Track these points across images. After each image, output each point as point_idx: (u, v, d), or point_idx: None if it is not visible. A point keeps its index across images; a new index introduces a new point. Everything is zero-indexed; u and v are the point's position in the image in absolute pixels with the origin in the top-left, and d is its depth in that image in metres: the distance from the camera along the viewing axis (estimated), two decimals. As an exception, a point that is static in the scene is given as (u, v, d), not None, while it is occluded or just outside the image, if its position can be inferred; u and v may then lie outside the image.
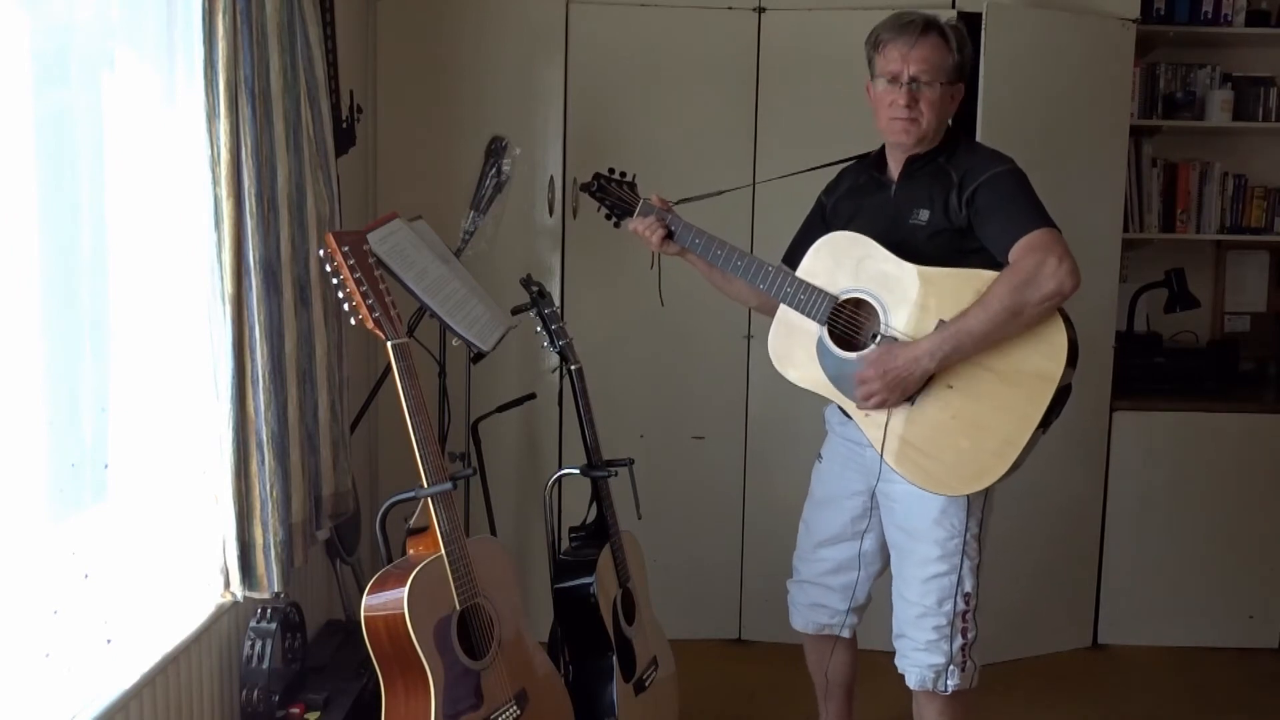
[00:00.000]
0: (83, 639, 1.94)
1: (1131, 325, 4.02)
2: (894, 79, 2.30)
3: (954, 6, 3.49)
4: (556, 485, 3.06)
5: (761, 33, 3.55)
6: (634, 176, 2.62)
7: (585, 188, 2.63)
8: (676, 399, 3.69)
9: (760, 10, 3.55)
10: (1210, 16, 3.91)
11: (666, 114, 3.57)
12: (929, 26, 2.31)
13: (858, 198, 2.47)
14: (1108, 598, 3.80)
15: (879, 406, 2.28)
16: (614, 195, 2.59)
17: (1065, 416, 3.62)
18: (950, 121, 2.39)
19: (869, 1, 3.19)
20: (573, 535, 2.82)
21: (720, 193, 2.70)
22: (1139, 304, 4.03)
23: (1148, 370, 3.92)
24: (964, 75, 2.35)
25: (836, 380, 2.35)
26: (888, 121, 2.34)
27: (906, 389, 2.25)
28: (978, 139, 3.35)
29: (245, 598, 2.30)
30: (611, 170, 2.62)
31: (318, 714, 2.38)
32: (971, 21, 3.41)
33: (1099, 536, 3.77)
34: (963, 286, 2.22)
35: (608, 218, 2.65)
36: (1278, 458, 3.75)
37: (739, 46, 3.56)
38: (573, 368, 2.80)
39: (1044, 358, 2.20)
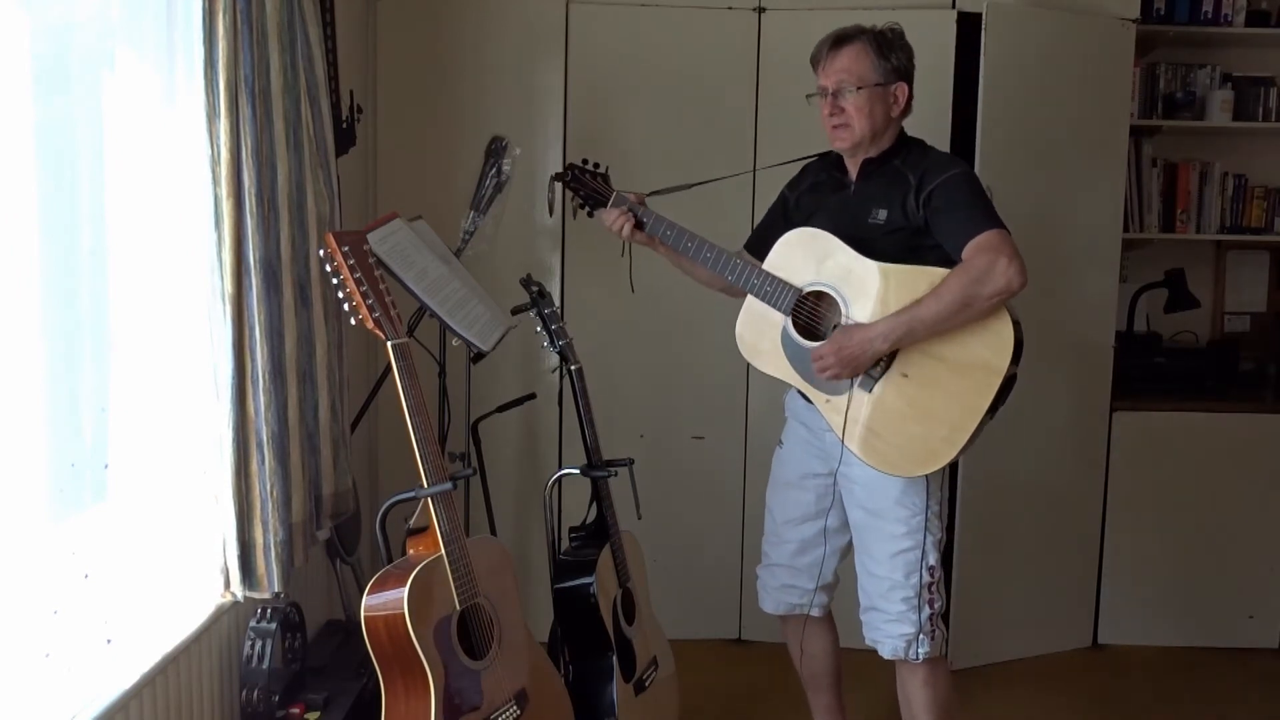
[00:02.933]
0: (83, 639, 1.94)
1: (1131, 325, 4.02)
2: (822, 92, 2.49)
3: (954, 6, 3.49)
4: (556, 485, 3.06)
5: (761, 33, 3.56)
6: (606, 168, 2.70)
7: (558, 177, 2.73)
8: (676, 399, 3.69)
9: (760, 10, 3.55)
10: (1210, 16, 3.92)
11: (666, 114, 3.57)
12: (842, 39, 2.47)
13: (819, 194, 2.60)
14: (1108, 598, 3.80)
15: (833, 379, 2.41)
16: (588, 186, 2.67)
17: (1065, 416, 3.65)
18: (903, 124, 2.52)
19: (869, 1, 3.20)
20: (573, 535, 2.82)
21: (689, 185, 2.77)
22: (1139, 304, 4.03)
23: (1148, 370, 3.93)
24: (901, 75, 2.46)
25: (799, 368, 2.47)
26: (828, 131, 2.51)
27: (859, 366, 2.38)
28: (977, 139, 3.36)
29: (245, 598, 2.30)
30: (585, 161, 2.70)
31: (318, 714, 2.38)
32: (972, 21, 3.42)
33: (1099, 536, 3.77)
34: (918, 281, 2.34)
35: (580, 207, 2.72)
36: (1278, 458, 3.75)
37: (739, 46, 3.56)
38: (573, 368, 2.80)
39: (992, 352, 2.32)
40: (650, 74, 3.57)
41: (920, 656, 2.50)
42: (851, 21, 2.50)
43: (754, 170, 2.85)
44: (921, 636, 2.49)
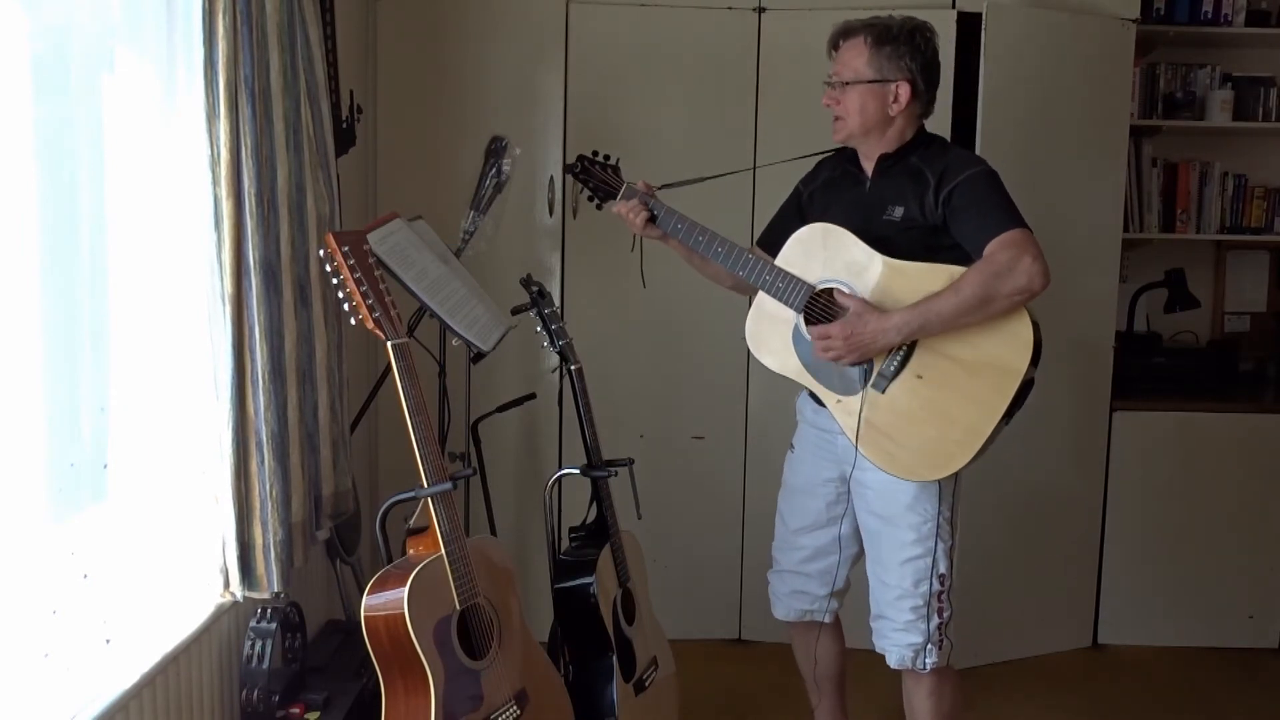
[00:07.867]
0: (82, 639, 1.94)
1: (1131, 325, 4.02)
2: (828, 81, 2.46)
3: (954, 6, 3.49)
4: (556, 485, 3.06)
5: (761, 33, 3.56)
6: (617, 160, 2.66)
7: (569, 169, 2.69)
8: (676, 399, 3.69)
9: (760, 10, 3.55)
10: (1210, 16, 3.92)
11: (667, 114, 3.57)
12: (844, 32, 2.43)
13: (834, 190, 2.55)
14: (1108, 598, 3.80)
15: (834, 361, 2.35)
16: (597, 178, 2.63)
17: (1065, 416, 3.65)
18: (921, 120, 2.46)
19: (869, 2, 3.20)
20: (573, 535, 2.82)
21: (702, 179, 2.74)
22: (1139, 304, 4.03)
23: (1148, 370, 3.93)
24: (903, 73, 2.38)
25: (811, 367, 2.42)
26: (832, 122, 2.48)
27: (865, 354, 2.32)
28: (978, 139, 3.36)
29: (245, 598, 2.30)
30: (595, 153, 2.66)
31: (318, 714, 2.38)
32: (972, 21, 3.42)
33: (1099, 536, 3.77)
34: (935, 278, 2.29)
35: (590, 199, 2.68)
36: (1278, 458, 3.75)
37: (739, 46, 3.56)
38: (573, 368, 2.80)
39: (1010, 352, 2.28)
40: (650, 74, 3.57)
41: (927, 667, 2.46)
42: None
43: (769, 164, 2.76)
44: (929, 646, 2.45)
